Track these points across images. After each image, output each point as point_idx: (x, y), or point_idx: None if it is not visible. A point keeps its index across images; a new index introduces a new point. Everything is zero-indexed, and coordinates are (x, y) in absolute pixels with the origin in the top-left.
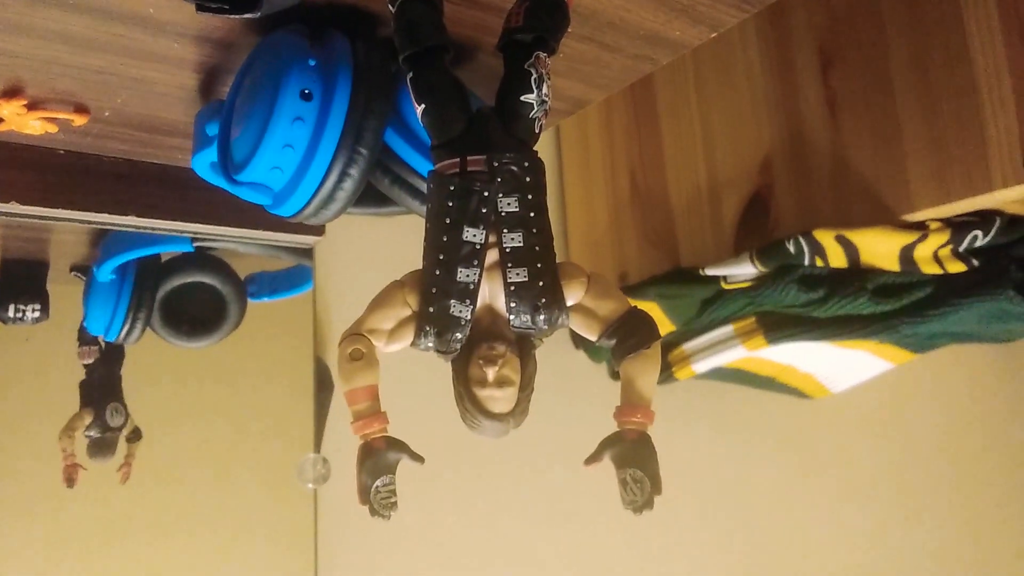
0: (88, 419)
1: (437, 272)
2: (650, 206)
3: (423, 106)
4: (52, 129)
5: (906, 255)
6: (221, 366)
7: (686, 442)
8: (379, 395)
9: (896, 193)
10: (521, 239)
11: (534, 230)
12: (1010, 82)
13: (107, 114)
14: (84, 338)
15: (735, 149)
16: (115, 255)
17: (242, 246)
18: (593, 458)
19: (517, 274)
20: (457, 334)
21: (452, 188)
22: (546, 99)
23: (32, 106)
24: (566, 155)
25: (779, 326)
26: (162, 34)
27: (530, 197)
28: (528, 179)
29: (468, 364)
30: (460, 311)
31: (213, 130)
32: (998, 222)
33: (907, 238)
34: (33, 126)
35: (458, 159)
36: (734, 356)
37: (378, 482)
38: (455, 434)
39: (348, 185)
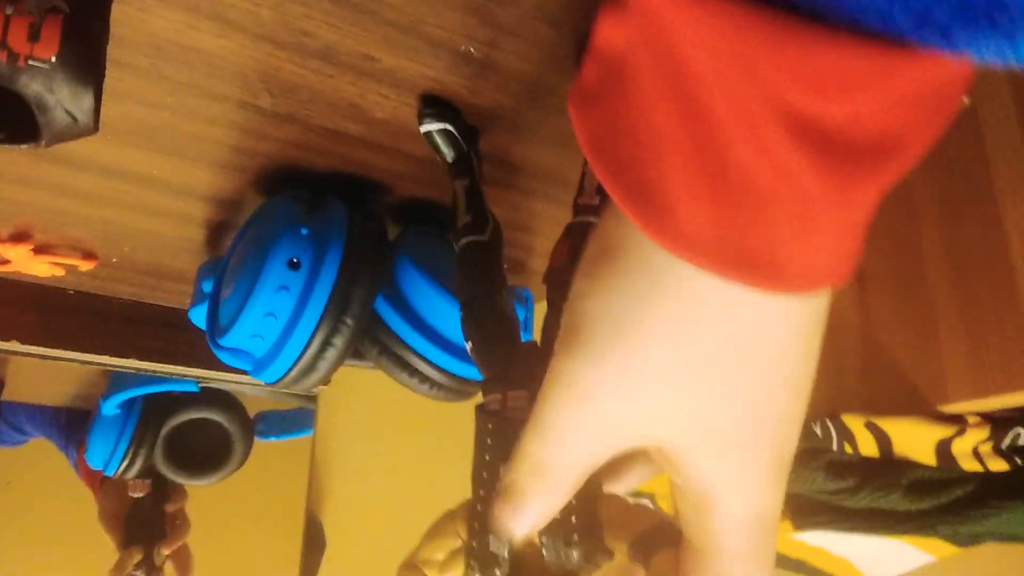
0: (138, 557)
1: (478, 507)
2: None
3: (470, 343)
4: (59, 272)
5: (943, 449)
6: (208, 509)
7: None
8: None
9: (930, 382)
10: None
11: None
12: None
13: (114, 260)
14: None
15: None
16: (121, 390)
17: (247, 388)
18: None
19: None
20: (497, 572)
21: (491, 425)
22: None
23: (40, 250)
24: None
25: (808, 512)
26: (167, 192)
27: None
28: None
29: None
30: (498, 548)
31: (208, 287)
32: None
33: (944, 432)
34: (40, 269)
35: (500, 395)
36: None
37: None
38: None
39: (330, 355)
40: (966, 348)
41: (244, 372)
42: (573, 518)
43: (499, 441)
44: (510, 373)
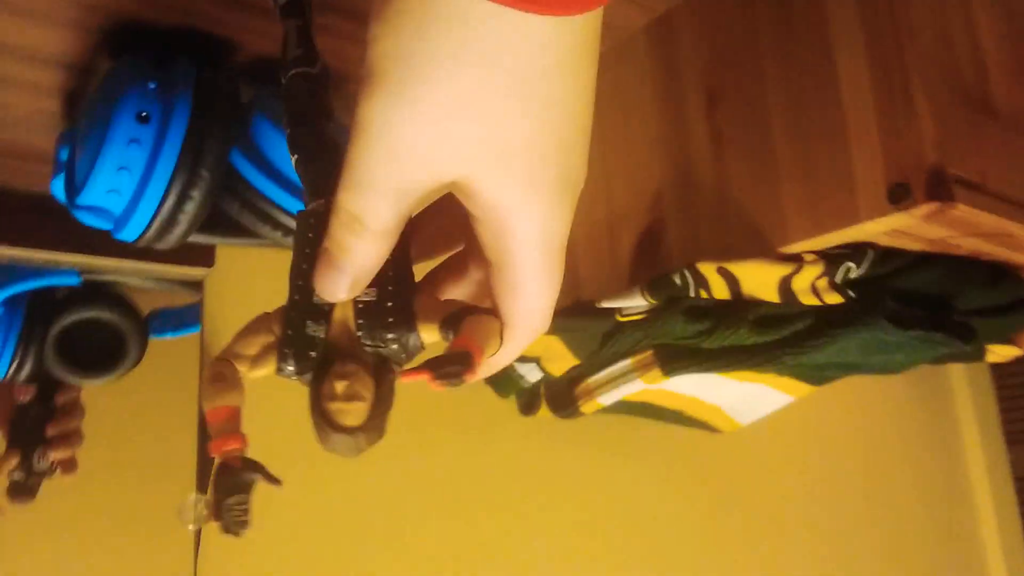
0: (14, 461)
1: (296, 297)
2: None
3: (295, 157)
4: None
5: (785, 287)
6: (99, 401)
7: (596, 477)
8: (240, 417)
9: (773, 226)
10: None
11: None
12: (875, 122)
13: None
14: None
15: (631, 184)
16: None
17: (131, 279)
18: None
19: (366, 293)
20: (312, 354)
21: (311, 221)
22: None
23: None
24: None
25: (673, 358)
26: (12, 58)
27: None
28: None
29: (321, 382)
30: (315, 331)
31: (64, 154)
32: (870, 255)
33: (784, 270)
34: None
35: (323, 200)
36: (634, 389)
37: (231, 500)
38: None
39: (190, 208)
40: (802, 193)
41: (120, 251)
42: (389, 303)
43: (318, 237)
44: (333, 182)
